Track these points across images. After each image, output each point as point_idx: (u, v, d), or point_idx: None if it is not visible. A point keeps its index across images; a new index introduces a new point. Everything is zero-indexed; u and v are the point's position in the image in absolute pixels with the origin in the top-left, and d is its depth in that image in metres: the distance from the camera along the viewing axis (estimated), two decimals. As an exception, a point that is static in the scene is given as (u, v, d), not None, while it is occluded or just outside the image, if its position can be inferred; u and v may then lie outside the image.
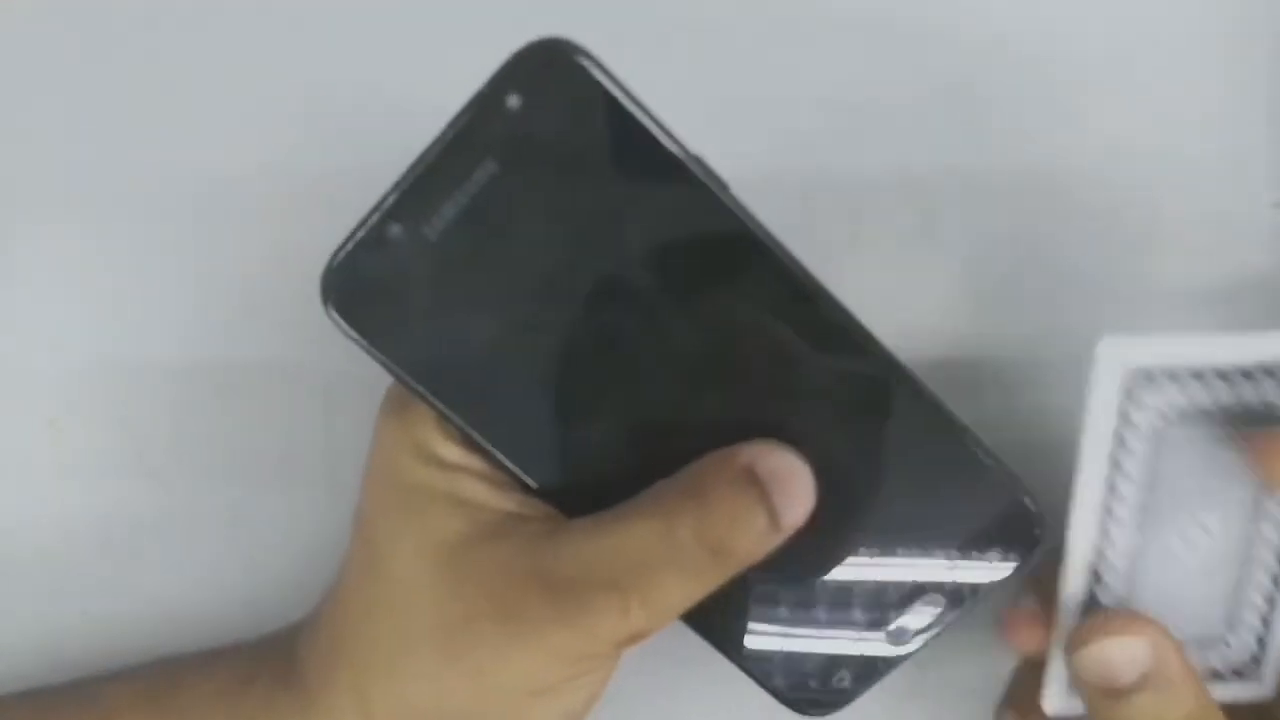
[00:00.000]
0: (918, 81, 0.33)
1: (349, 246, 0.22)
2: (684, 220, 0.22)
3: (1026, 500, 0.24)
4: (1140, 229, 0.34)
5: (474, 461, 0.24)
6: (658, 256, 0.22)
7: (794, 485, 0.23)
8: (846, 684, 0.25)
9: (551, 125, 0.21)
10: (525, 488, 0.24)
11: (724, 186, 0.22)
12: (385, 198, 0.22)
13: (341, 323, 0.23)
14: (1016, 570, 0.25)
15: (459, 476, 0.24)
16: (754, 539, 0.23)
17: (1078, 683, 0.25)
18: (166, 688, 0.28)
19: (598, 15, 0.33)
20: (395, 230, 0.22)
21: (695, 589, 0.23)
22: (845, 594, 0.25)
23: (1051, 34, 0.34)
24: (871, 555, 0.25)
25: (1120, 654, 0.25)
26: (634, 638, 0.23)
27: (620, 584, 0.23)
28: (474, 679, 0.24)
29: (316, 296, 0.32)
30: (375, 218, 0.22)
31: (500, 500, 0.24)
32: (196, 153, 0.33)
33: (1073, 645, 0.25)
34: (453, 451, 0.24)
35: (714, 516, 0.22)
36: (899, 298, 0.33)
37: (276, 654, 0.27)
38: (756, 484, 0.23)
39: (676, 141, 0.22)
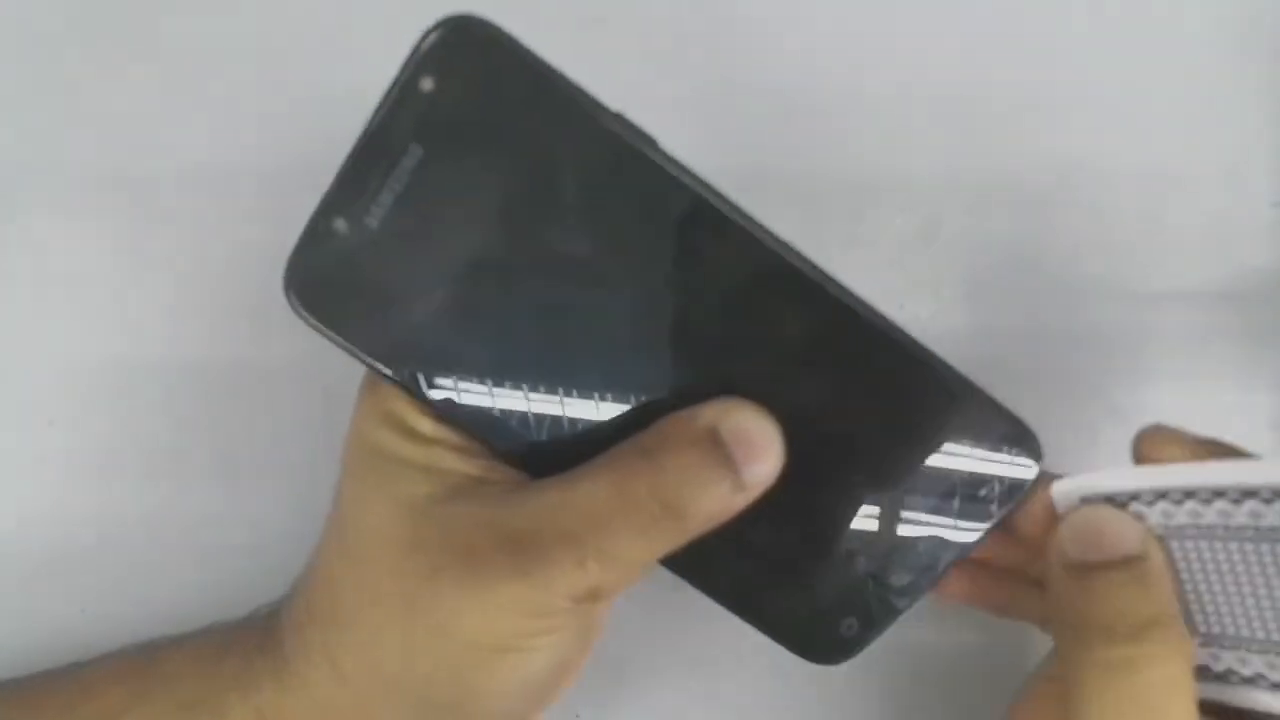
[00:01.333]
0: (919, 83, 0.33)
1: (300, 246, 0.23)
2: (614, 178, 0.23)
3: (1017, 430, 0.24)
4: (1141, 229, 0.34)
5: (447, 434, 0.24)
6: (595, 217, 0.23)
7: (759, 444, 0.23)
8: (855, 631, 0.25)
9: (467, 102, 0.22)
10: (493, 453, 0.25)
11: (651, 141, 0.23)
12: (327, 194, 0.23)
13: (306, 318, 0.24)
14: (1016, 502, 0.24)
15: (429, 447, 0.24)
16: (714, 499, 0.23)
17: (1057, 553, 0.24)
18: (145, 660, 0.28)
19: (605, 16, 0.33)
20: (339, 224, 0.23)
21: (653, 546, 0.23)
22: (842, 539, 0.24)
23: (1053, 36, 0.34)
24: (864, 497, 0.24)
25: (1115, 525, 0.24)
26: (592, 593, 0.23)
27: (576, 537, 0.22)
28: (436, 634, 0.24)
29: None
30: (319, 214, 0.23)
31: (468, 465, 0.24)
32: (198, 154, 0.33)
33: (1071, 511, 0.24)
34: (425, 424, 0.24)
35: (668, 475, 0.22)
36: (899, 298, 0.33)
37: (254, 624, 0.28)
38: (719, 444, 0.22)
39: (593, 101, 0.22)
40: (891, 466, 0.24)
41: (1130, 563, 0.23)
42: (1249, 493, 0.23)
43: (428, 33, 0.22)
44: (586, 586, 0.23)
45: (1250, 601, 0.23)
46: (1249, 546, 0.23)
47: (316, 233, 0.23)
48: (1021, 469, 0.24)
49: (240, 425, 0.32)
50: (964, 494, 0.24)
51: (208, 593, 0.31)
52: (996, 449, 0.24)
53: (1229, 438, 0.33)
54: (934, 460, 0.24)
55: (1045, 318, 0.33)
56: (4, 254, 0.32)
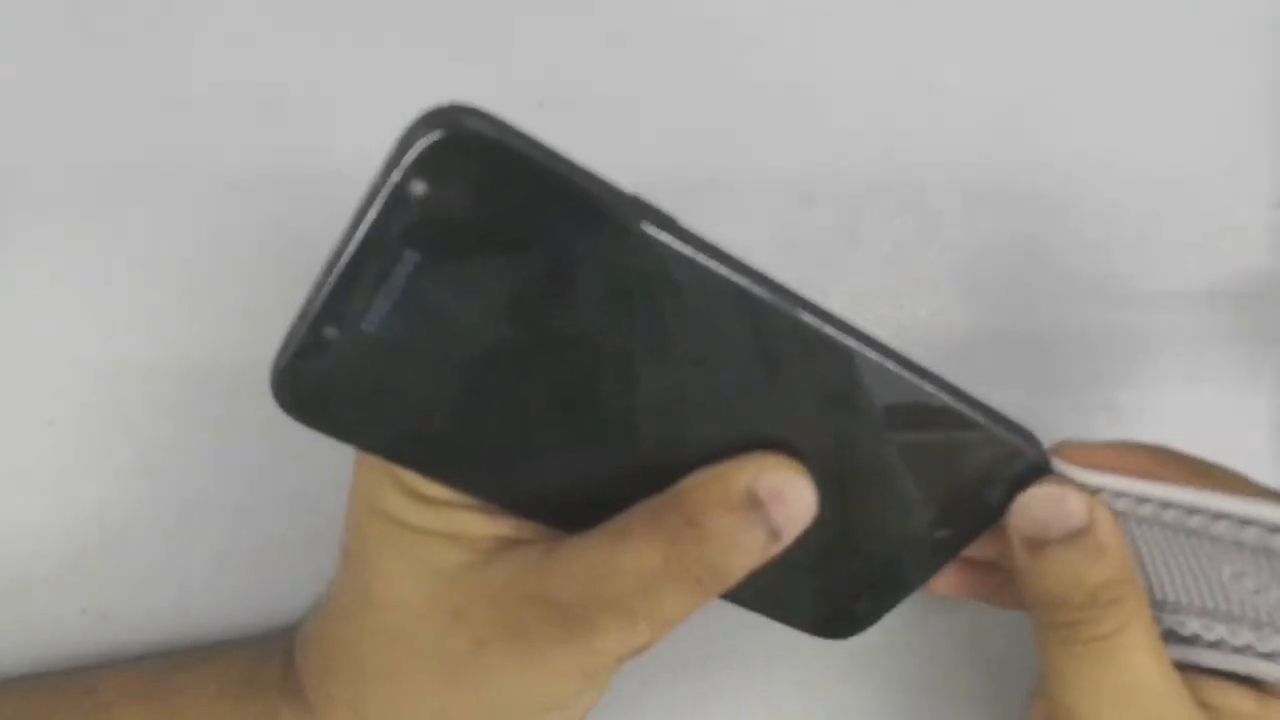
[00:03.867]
0: (919, 82, 0.33)
1: (287, 356, 0.22)
2: (631, 260, 0.21)
3: (1017, 434, 0.25)
4: (1142, 229, 0.33)
5: (462, 496, 0.24)
6: (609, 297, 0.22)
7: (795, 501, 0.23)
8: (868, 608, 0.26)
9: (465, 201, 0.20)
10: (523, 517, 0.24)
11: (670, 221, 0.21)
12: (310, 302, 0.21)
13: (300, 421, 0.22)
14: (1014, 495, 0.25)
15: (449, 512, 0.24)
16: (754, 556, 0.23)
17: (1013, 531, 0.25)
18: (162, 683, 0.28)
19: (592, 15, 0.33)
20: (330, 332, 0.21)
21: (698, 602, 0.23)
22: (858, 535, 0.25)
23: (1054, 36, 0.34)
24: (875, 498, 0.25)
25: (1061, 501, 0.25)
26: (638, 651, 0.23)
27: (625, 604, 0.23)
28: (480, 700, 0.24)
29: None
30: (306, 324, 0.21)
31: (494, 527, 0.24)
32: (197, 153, 0.33)
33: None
34: (436, 489, 0.24)
35: (711, 542, 0.22)
36: (898, 298, 0.33)
37: (273, 662, 0.27)
38: (757, 506, 0.23)
39: (605, 185, 0.21)
40: (901, 474, 0.25)
41: (1077, 535, 0.24)
42: (1194, 510, 0.24)
43: (410, 131, 0.20)
44: (635, 647, 0.23)
45: (1202, 579, 0.25)
46: (1193, 540, 0.24)
47: (304, 344, 0.21)
48: (1020, 467, 0.25)
49: (241, 425, 0.32)
50: (969, 492, 0.25)
51: (207, 593, 0.31)
52: (1009, 462, 0.25)
53: (1230, 439, 0.33)
54: (941, 465, 0.25)
55: (1045, 318, 0.33)
56: (2, 254, 0.32)
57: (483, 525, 0.24)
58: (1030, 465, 0.25)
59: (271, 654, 0.28)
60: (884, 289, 0.33)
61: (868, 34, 0.34)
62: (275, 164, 0.32)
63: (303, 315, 0.21)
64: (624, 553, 0.23)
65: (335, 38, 0.33)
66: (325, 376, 0.22)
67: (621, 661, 0.24)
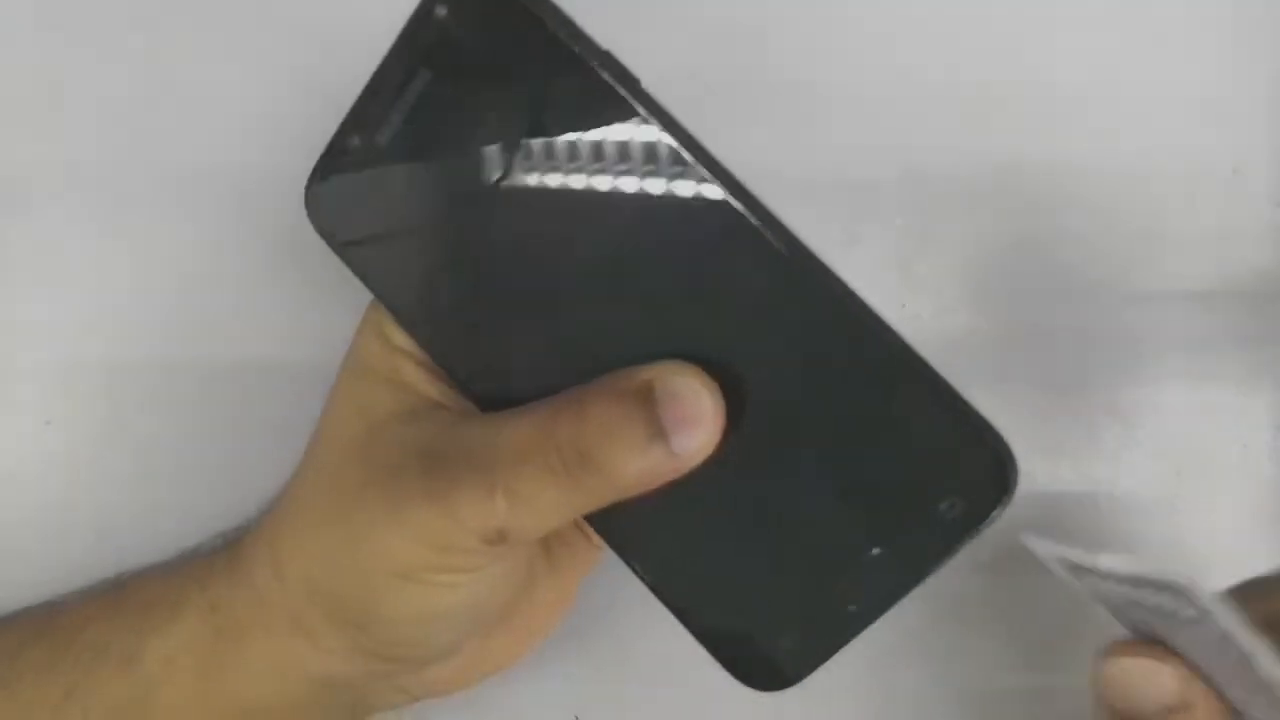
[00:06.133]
0: (921, 82, 0.33)
1: (321, 161, 0.24)
2: (596, 116, 0.23)
3: (994, 446, 0.21)
4: (1143, 229, 0.33)
5: (416, 348, 0.25)
6: (576, 156, 0.23)
7: (693, 411, 0.22)
8: (799, 653, 0.23)
9: (473, 31, 0.23)
10: (454, 381, 0.25)
11: (635, 81, 0.23)
12: (350, 110, 0.24)
13: (316, 228, 0.25)
14: (985, 524, 0.21)
15: (401, 360, 0.25)
16: (634, 458, 0.22)
17: (1098, 701, 0.23)
18: (119, 590, 0.29)
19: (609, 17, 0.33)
20: (354, 141, 0.24)
21: (567, 497, 0.22)
22: (796, 551, 0.23)
23: (1055, 35, 0.34)
24: (822, 505, 0.22)
25: (1144, 678, 0.23)
26: (499, 533, 0.23)
27: (488, 469, 0.22)
28: (350, 545, 0.24)
29: (314, 295, 0.32)
30: (339, 130, 0.24)
31: (429, 386, 0.25)
32: (192, 152, 0.33)
33: (1104, 655, 0.23)
34: (399, 335, 0.25)
35: (590, 423, 0.22)
36: (900, 298, 0.33)
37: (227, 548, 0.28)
38: (649, 403, 0.22)
39: (583, 37, 0.23)
40: (852, 476, 0.22)
41: (1172, 713, 0.22)
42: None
43: None
44: (494, 525, 0.22)
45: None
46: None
47: (333, 149, 0.24)
48: (996, 489, 0.21)
49: (238, 425, 0.32)
50: (926, 516, 0.22)
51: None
52: (971, 463, 0.21)
53: (1232, 439, 0.33)
54: (899, 476, 0.22)
55: (1046, 318, 0.33)
56: (1, 253, 0.32)
57: (419, 379, 0.25)
58: (1001, 485, 0.21)
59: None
60: (885, 288, 0.33)
61: (870, 32, 0.34)
62: (275, 164, 0.32)
63: (340, 125, 0.24)
64: (507, 426, 0.23)
65: (338, 41, 0.33)
66: (344, 189, 0.24)
67: (483, 542, 0.23)
